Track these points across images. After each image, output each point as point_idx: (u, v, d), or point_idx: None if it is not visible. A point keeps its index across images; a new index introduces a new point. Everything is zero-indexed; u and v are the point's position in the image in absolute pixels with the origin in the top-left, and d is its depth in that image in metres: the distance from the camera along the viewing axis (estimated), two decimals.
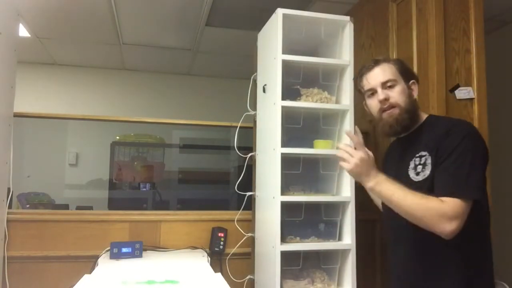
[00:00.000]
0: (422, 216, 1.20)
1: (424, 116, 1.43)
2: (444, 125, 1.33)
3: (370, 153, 1.33)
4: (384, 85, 1.39)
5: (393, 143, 1.59)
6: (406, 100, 1.38)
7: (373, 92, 1.41)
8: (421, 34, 2.04)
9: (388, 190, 1.26)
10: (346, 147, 1.33)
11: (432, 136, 1.33)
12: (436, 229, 1.18)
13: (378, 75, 1.41)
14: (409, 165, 1.37)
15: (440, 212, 1.17)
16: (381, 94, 1.38)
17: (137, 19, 3.12)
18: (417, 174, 1.32)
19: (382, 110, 1.39)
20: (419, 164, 1.33)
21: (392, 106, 1.38)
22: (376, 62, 1.43)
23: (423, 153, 1.33)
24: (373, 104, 1.42)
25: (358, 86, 1.49)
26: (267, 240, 1.85)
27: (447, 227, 1.16)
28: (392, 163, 1.52)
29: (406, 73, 1.42)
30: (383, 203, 1.47)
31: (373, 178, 1.29)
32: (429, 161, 1.30)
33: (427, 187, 1.27)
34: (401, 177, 1.35)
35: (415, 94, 1.43)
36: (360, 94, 1.52)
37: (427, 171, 1.29)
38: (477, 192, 1.21)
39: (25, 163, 3.47)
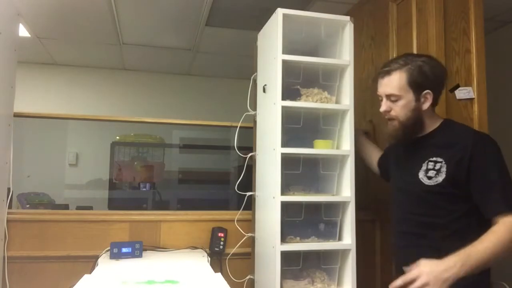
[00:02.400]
0: (508, 249, 1.24)
1: (438, 120, 1.46)
2: (465, 137, 1.37)
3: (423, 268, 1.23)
4: (388, 98, 1.43)
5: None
6: (407, 114, 1.40)
7: (381, 99, 1.47)
8: (421, 34, 2.04)
9: (477, 261, 1.22)
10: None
11: (451, 145, 1.36)
12: None
13: (385, 86, 1.43)
14: (420, 167, 1.40)
15: None
16: (383, 105, 1.44)
17: (137, 19, 3.12)
18: (429, 178, 1.36)
19: (387, 118, 1.47)
20: (432, 169, 1.36)
21: (392, 118, 1.43)
22: (388, 72, 1.43)
23: (439, 159, 1.36)
24: (381, 108, 1.48)
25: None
26: (267, 240, 1.85)
27: None
28: (398, 160, 1.56)
29: (418, 84, 1.40)
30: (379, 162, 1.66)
31: (453, 266, 1.20)
32: (444, 169, 1.34)
33: (437, 192, 1.34)
34: (409, 177, 1.41)
35: (426, 105, 1.41)
36: None
37: (440, 178, 1.34)
38: None
39: (25, 163, 3.47)
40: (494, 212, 1.28)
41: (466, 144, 1.34)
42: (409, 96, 1.40)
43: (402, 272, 1.39)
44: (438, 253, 1.26)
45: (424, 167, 1.39)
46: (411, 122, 1.41)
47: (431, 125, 1.45)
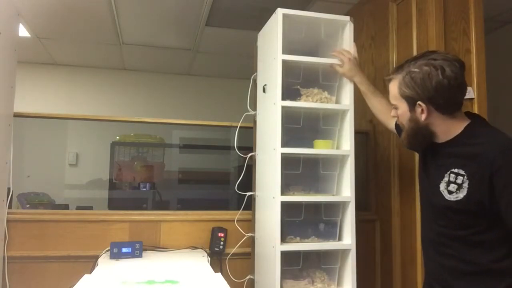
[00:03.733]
0: None
1: (461, 124, 1.30)
2: (489, 148, 1.22)
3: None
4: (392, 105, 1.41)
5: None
6: (408, 124, 1.34)
7: None
8: (421, 34, 2.04)
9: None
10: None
11: (474, 156, 1.23)
12: None
13: (389, 91, 1.39)
14: (442, 177, 1.30)
15: None
16: (392, 111, 1.42)
17: (137, 19, 3.12)
18: (450, 192, 1.27)
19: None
20: (454, 182, 1.27)
21: (403, 124, 1.38)
22: (389, 79, 1.39)
23: (461, 171, 1.25)
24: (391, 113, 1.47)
25: None
26: (267, 240, 1.85)
27: None
28: (424, 163, 1.43)
29: (405, 95, 1.32)
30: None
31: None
32: (466, 184, 1.24)
33: (456, 209, 1.25)
34: (432, 187, 1.34)
35: (423, 116, 1.30)
36: None
37: (461, 194, 1.24)
38: None
39: (25, 163, 3.46)
40: None
41: (490, 157, 1.20)
42: (404, 106, 1.33)
43: (431, 281, 1.41)
44: (466, 264, 1.27)
45: (446, 179, 1.29)
46: (413, 132, 1.34)
47: (451, 131, 1.31)
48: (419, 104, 1.29)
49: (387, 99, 1.51)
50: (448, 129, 1.31)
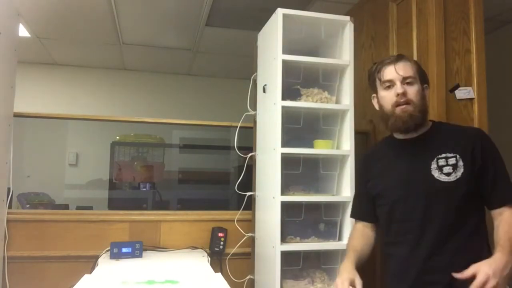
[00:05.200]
0: None
1: (429, 122, 1.46)
2: (467, 129, 1.45)
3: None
4: (404, 81, 1.39)
5: (384, 145, 1.58)
6: (420, 100, 1.40)
7: (390, 84, 1.41)
8: (421, 34, 2.04)
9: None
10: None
11: (458, 138, 1.38)
12: None
13: (400, 69, 1.40)
14: (430, 165, 1.36)
15: None
16: (400, 87, 1.38)
17: (137, 19, 3.12)
18: (448, 174, 1.33)
19: (396, 105, 1.38)
20: (446, 165, 1.34)
21: (407, 103, 1.37)
22: (399, 58, 1.43)
23: (449, 154, 1.35)
24: (388, 96, 1.41)
25: (372, 77, 1.48)
26: (267, 240, 1.85)
27: None
28: (396, 163, 1.47)
29: (422, 76, 1.44)
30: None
31: (508, 262, 1.23)
32: (461, 163, 1.34)
33: (461, 186, 1.32)
34: (420, 176, 1.37)
35: (427, 97, 1.45)
36: (371, 86, 1.52)
37: (459, 173, 1.33)
38: None
39: (25, 163, 3.47)
40: (502, 201, 1.33)
41: (473, 134, 1.39)
42: (419, 85, 1.41)
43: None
44: (465, 254, 1.30)
45: (434, 165, 1.36)
46: (424, 108, 1.40)
47: (426, 125, 1.45)
48: (426, 87, 1.45)
49: (357, 241, 1.54)
50: (427, 117, 1.46)
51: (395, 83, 1.39)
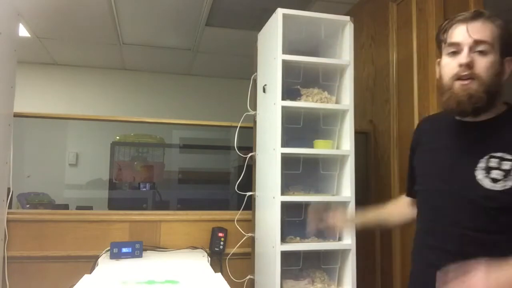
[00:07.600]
0: None
1: (502, 106, 1.11)
2: None
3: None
4: (475, 47, 1.06)
5: (445, 116, 1.20)
6: (491, 77, 1.06)
7: (457, 50, 1.08)
8: (421, 34, 2.04)
9: None
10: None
11: None
12: None
13: (473, 31, 1.07)
14: (477, 163, 1.06)
15: None
16: (466, 56, 1.05)
17: (137, 19, 3.12)
18: (494, 181, 1.03)
19: (457, 78, 1.06)
20: (496, 168, 1.04)
21: (471, 77, 1.05)
22: (476, 15, 1.10)
23: (507, 156, 1.03)
24: (449, 65, 1.09)
25: (440, 37, 1.15)
26: (267, 240, 1.85)
27: None
28: (445, 147, 1.18)
29: (505, 45, 1.09)
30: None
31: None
32: None
33: (503, 201, 1.01)
34: (461, 173, 1.09)
35: (506, 75, 1.10)
36: (437, 48, 1.19)
37: (510, 182, 1.01)
38: None
39: (25, 163, 3.46)
40: None
41: None
42: (496, 56, 1.07)
43: None
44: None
45: (482, 165, 1.05)
46: (494, 89, 1.06)
47: (495, 109, 1.10)
48: (510, 59, 1.10)
49: (391, 205, 1.39)
50: (497, 100, 1.10)
51: (462, 49, 1.07)
